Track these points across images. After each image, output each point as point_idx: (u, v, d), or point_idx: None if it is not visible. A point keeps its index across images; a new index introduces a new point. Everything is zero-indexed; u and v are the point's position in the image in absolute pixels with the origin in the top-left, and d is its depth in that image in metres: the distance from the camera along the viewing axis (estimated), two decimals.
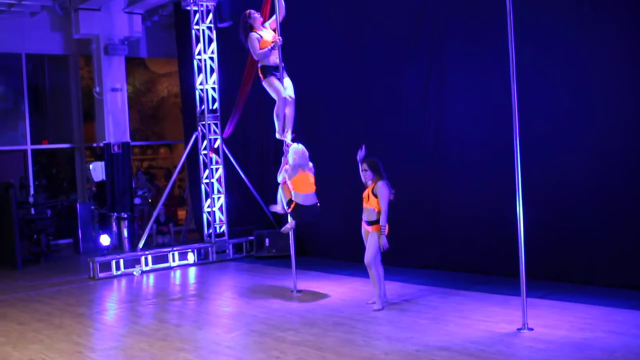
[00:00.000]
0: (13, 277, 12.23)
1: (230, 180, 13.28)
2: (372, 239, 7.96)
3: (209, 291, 10.37)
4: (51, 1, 14.91)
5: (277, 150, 11.07)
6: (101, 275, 11.44)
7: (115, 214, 14.45)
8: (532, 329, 6.71)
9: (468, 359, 6.00)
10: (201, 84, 12.86)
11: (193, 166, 13.94)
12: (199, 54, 12.83)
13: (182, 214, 17.60)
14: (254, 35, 9.08)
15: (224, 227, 13.02)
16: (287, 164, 8.85)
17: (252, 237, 12.90)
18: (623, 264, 8.12)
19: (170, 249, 12.41)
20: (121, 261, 11.74)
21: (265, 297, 9.29)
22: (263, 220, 13.28)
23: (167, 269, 12.02)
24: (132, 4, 15.19)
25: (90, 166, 15.70)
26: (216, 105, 12.93)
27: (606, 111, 8.25)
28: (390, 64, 10.68)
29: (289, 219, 9.13)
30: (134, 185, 15.61)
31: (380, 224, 7.86)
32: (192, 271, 11.95)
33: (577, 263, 8.55)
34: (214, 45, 12.86)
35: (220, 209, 13.03)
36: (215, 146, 12.95)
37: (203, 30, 12.77)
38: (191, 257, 12.41)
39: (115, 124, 15.52)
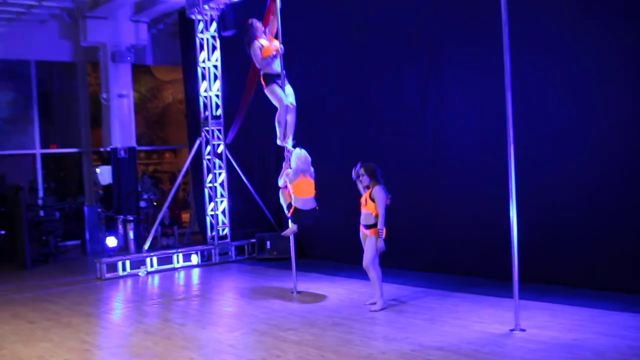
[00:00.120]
0: (23, 277, 12.26)
1: (233, 184, 13.30)
2: (370, 242, 7.99)
3: (212, 292, 10.39)
4: (60, 10, 14.93)
5: (279, 155, 11.08)
6: (108, 275, 11.46)
7: (121, 216, 14.48)
8: (524, 330, 6.74)
9: (462, 359, 6.02)
10: (205, 90, 12.90)
11: (197, 170, 13.96)
12: (203, 61, 12.87)
13: (186, 216, 17.62)
14: (256, 44, 9.11)
15: (226, 230, 13.05)
16: (288, 168, 8.88)
17: (253, 240, 12.91)
18: (612, 267, 8.14)
19: (174, 251, 12.43)
20: (127, 262, 11.77)
21: (267, 297, 9.31)
22: (264, 223, 13.30)
23: (171, 270, 12.04)
24: (138, 13, 15.21)
25: (98, 170, 15.72)
26: (219, 111, 12.96)
27: (599, 116, 8.22)
28: (390, 70, 10.68)
29: (290, 223, 9.14)
30: (139, 189, 15.62)
31: (378, 227, 7.88)
32: (195, 272, 11.97)
33: (568, 266, 8.56)
34: (217, 53, 12.89)
35: (223, 212, 13.06)
36: (219, 151, 12.98)
37: (207, 38, 12.81)
38: (195, 259, 12.44)
39: (122, 129, 15.54)
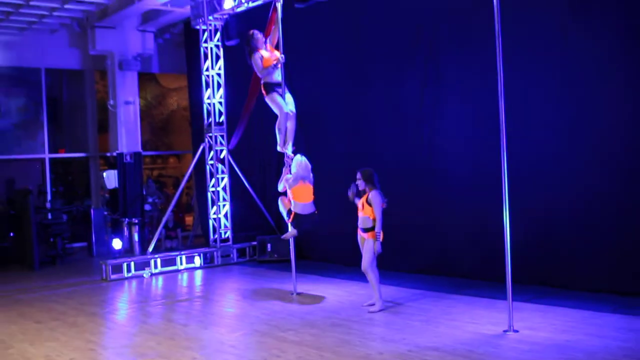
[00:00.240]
0: (30, 277, 12.22)
1: (235, 188, 13.28)
2: (368, 245, 7.95)
3: (214, 293, 10.34)
4: (70, 19, 14.95)
5: (279, 161, 11.05)
6: (113, 277, 11.42)
7: (126, 219, 14.44)
8: (517, 331, 6.71)
9: (457, 359, 5.99)
10: (209, 98, 12.87)
11: (200, 175, 13.94)
12: (207, 70, 12.85)
13: (189, 220, 17.56)
14: (257, 54, 9.11)
15: (228, 233, 13.01)
16: (288, 173, 8.86)
17: (255, 243, 12.88)
18: (604, 270, 8.11)
19: (178, 253, 12.39)
20: (132, 264, 11.73)
21: (267, 299, 9.27)
22: (265, 226, 13.27)
23: (175, 272, 11.99)
24: (145, 23, 15.22)
25: (104, 174, 15.69)
26: (222, 118, 12.93)
27: (590, 119, 8.18)
28: (387, 78, 10.66)
29: (290, 227, 9.11)
30: (144, 193, 15.59)
31: (376, 231, 7.85)
32: (198, 274, 11.92)
33: (560, 269, 8.53)
34: (221, 62, 12.88)
35: (226, 215, 13.03)
36: (221, 157, 12.95)
37: (211, 47, 12.79)
38: (197, 261, 12.40)
39: (128, 135, 15.53)
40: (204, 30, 12.74)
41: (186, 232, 15.93)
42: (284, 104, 9.10)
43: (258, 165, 13.85)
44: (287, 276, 10.19)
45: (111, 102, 15.54)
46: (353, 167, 8.27)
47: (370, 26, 10.94)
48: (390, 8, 10.54)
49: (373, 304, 8.10)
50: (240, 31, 11.57)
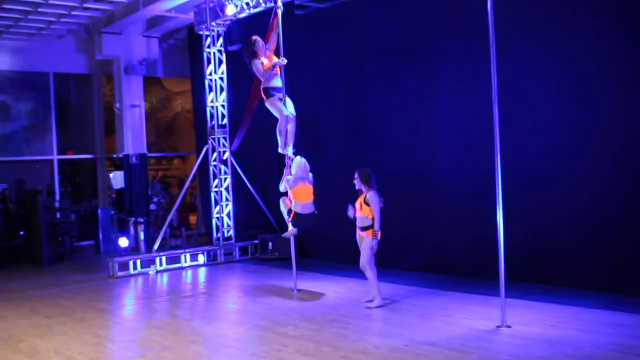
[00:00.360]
0: (40, 274, 12.22)
1: (238, 189, 13.28)
2: (366, 244, 7.96)
3: (217, 290, 10.34)
4: (77, 25, 14.95)
5: (280, 162, 11.04)
6: (120, 274, 11.43)
7: (132, 218, 14.43)
8: (510, 327, 6.72)
9: (451, 353, 6.00)
10: (212, 101, 12.88)
11: (204, 176, 13.94)
12: (210, 74, 12.86)
13: (193, 219, 17.55)
14: (257, 60, 9.12)
15: (231, 232, 13.02)
16: (289, 174, 8.87)
17: (256, 241, 12.89)
18: (594, 267, 8.11)
19: (182, 251, 12.39)
20: (138, 261, 11.73)
21: (268, 295, 9.28)
22: (267, 225, 13.27)
23: (179, 269, 12.00)
24: (150, 29, 15.22)
25: (111, 175, 15.67)
26: (225, 121, 12.95)
27: (585, 119, 8.16)
28: (387, 80, 10.64)
29: (290, 226, 9.12)
30: (149, 193, 15.58)
31: (375, 230, 7.85)
32: (202, 271, 11.92)
33: (552, 266, 8.53)
34: (223, 66, 12.89)
35: (228, 215, 13.03)
36: (224, 158, 12.95)
37: (214, 52, 12.80)
38: (201, 259, 12.40)
39: (134, 137, 15.53)
40: (207, 36, 12.75)
41: (190, 231, 15.92)
42: (284, 107, 9.10)
43: (259, 166, 13.84)
44: (287, 273, 10.19)
45: (117, 105, 15.53)
46: (352, 167, 8.25)
47: (370, 27, 10.91)
48: (390, 9, 10.52)
49: (371, 300, 8.11)
50: (242, 36, 11.58)
